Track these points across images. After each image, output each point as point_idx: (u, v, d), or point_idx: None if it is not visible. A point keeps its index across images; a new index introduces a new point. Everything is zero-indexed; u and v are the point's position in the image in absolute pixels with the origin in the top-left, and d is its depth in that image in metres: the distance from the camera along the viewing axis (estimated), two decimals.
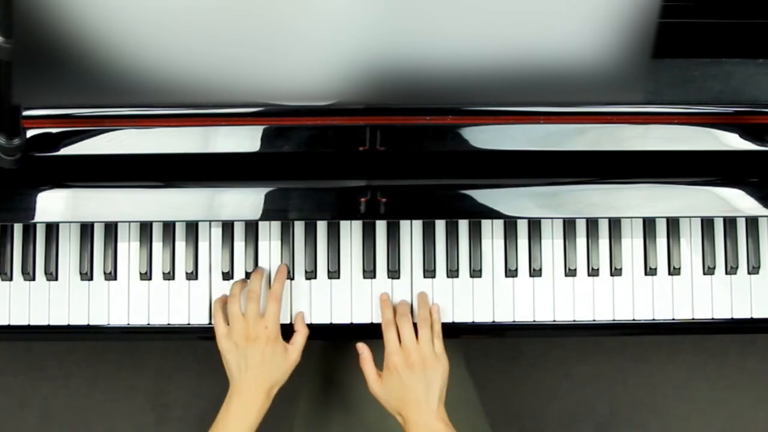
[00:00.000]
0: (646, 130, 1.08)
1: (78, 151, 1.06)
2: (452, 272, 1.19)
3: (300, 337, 1.15)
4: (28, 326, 1.18)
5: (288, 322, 1.18)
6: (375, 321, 1.18)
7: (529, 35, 0.90)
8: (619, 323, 1.20)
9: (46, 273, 1.18)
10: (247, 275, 1.19)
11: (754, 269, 1.20)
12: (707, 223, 1.20)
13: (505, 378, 1.85)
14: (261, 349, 1.11)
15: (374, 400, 1.14)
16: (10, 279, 1.18)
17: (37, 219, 1.09)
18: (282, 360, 1.12)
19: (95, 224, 1.19)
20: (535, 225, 1.19)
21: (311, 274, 1.19)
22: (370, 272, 1.19)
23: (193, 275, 1.18)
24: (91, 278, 1.18)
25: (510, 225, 1.19)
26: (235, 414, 1.09)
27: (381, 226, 1.19)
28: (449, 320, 1.19)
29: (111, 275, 1.18)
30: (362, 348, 1.14)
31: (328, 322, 1.19)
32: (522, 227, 1.20)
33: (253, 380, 1.10)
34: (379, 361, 1.13)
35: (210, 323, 1.18)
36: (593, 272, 1.19)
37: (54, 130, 1.06)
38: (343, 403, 1.24)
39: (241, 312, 1.12)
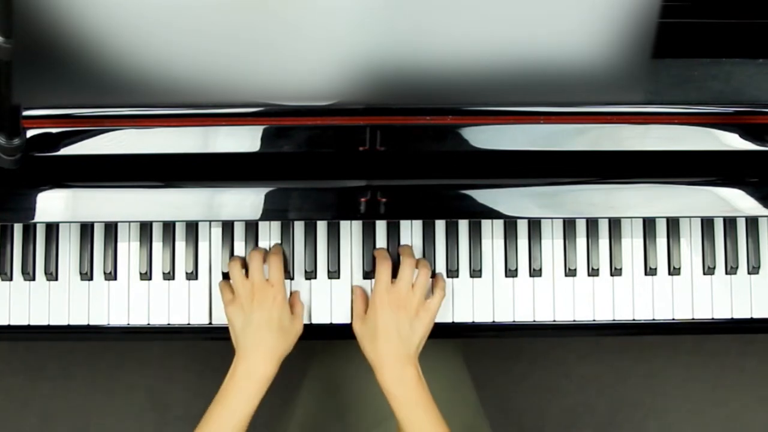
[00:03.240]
0: (646, 130, 1.08)
1: (78, 151, 1.06)
2: (452, 272, 1.19)
3: (299, 307, 1.15)
4: (28, 326, 1.18)
5: None
6: None
7: (529, 35, 0.90)
8: (619, 323, 1.20)
9: (46, 273, 1.18)
10: (248, 275, 1.18)
11: (754, 269, 1.20)
12: (707, 223, 1.20)
13: (505, 378, 1.85)
14: (268, 309, 1.09)
15: (373, 401, 1.14)
16: (10, 279, 1.18)
17: (37, 219, 1.09)
18: (289, 323, 1.11)
19: (95, 224, 1.19)
20: (535, 225, 1.19)
21: (311, 274, 1.19)
22: (370, 272, 1.19)
23: (193, 275, 1.18)
24: (91, 278, 1.19)
25: (510, 225, 1.19)
26: (242, 380, 1.06)
27: (381, 226, 1.19)
28: (449, 320, 1.19)
29: (111, 275, 1.18)
30: (357, 287, 1.14)
31: (328, 322, 1.19)
32: (522, 227, 1.20)
33: (258, 343, 1.08)
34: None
35: (210, 323, 1.18)
36: (593, 272, 1.19)
37: (54, 130, 1.06)
38: (342, 404, 1.24)
39: (243, 275, 1.12)
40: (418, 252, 1.19)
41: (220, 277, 1.19)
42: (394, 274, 1.13)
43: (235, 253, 1.19)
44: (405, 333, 1.08)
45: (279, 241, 1.19)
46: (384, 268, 1.12)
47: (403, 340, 1.08)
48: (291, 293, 1.18)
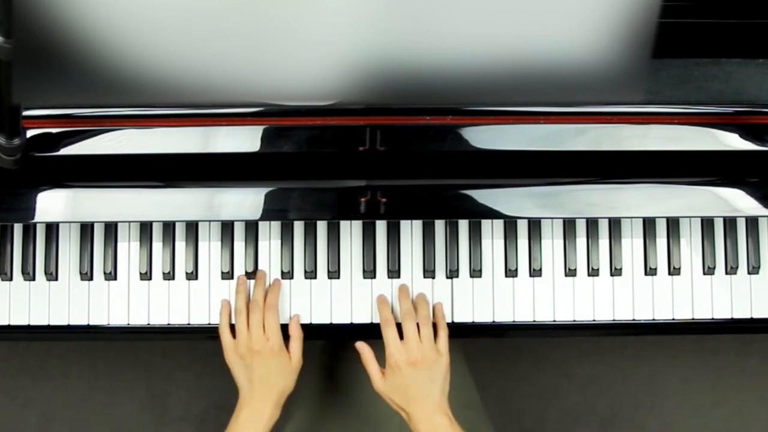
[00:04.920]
0: (646, 130, 1.08)
1: (78, 151, 1.06)
2: (452, 272, 1.19)
3: (296, 343, 1.15)
4: (28, 326, 1.18)
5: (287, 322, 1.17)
6: (375, 321, 1.18)
7: (529, 35, 0.90)
8: (619, 323, 1.20)
9: (46, 273, 1.18)
10: (248, 274, 1.18)
11: (754, 269, 1.20)
12: (707, 223, 1.20)
13: (505, 378, 1.85)
14: (265, 361, 1.11)
15: (373, 401, 1.14)
16: (10, 279, 1.18)
17: (37, 219, 1.09)
18: (287, 369, 1.13)
19: (95, 224, 1.19)
20: (535, 225, 1.19)
21: (311, 274, 1.19)
22: (370, 272, 1.19)
23: (193, 275, 1.18)
24: (91, 278, 1.18)
25: (510, 225, 1.19)
26: (245, 424, 1.10)
27: (381, 226, 1.19)
28: (449, 320, 1.19)
29: (111, 275, 1.18)
30: (362, 347, 1.14)
31: (328, 322, 1.19)
32: (522, 227, 1.20)
33: (261, 391, 1.11)
34: (380, 359, 1.13)
35: (210, 323, 1.18)
36: (593, 272, 1.19)
37: (54, 130, 1.06)
38: (342, 403, 1.24)
39: (246, 325, 1.13)
40: (418, 252, 1.19)
41: (220, 278, 1.19)
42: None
43: (235, 253, 1.19)
44: (427, 385, 1.09)
45: (279, 241, 1.19)
46: (389, 331, 1.12)
47: (428, 392, 1.09)
48: (290, 318, 1.17)
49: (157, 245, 1.19)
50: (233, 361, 1.13)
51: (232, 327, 1.15)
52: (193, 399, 1.83)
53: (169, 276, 1.18)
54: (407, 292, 1.17)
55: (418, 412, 1.09)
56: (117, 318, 1.18)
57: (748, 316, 1.20)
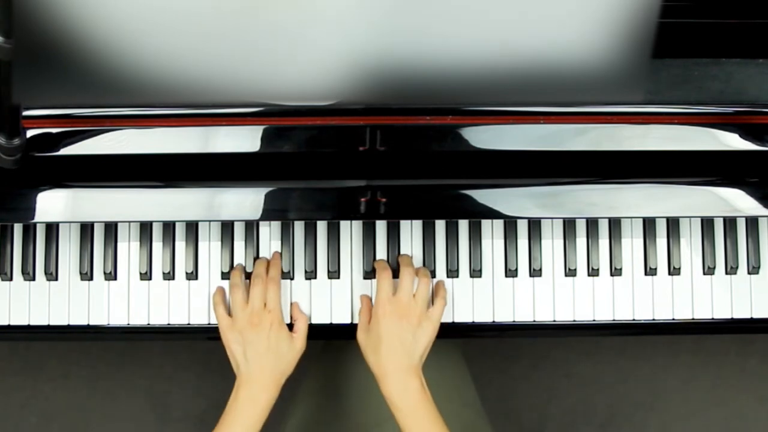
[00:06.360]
0: (646, 130, 1.08)
1: (78, 151, 1.06)
2: (452, 272, 1.19)
3: (301, 323, 1.14)
4: (28, 326, 1.18)
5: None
6: None
7: (529, 35, 0.90)
8: (619, 323, 1.20)
9: (46, 273, 1.18)
10: (248, 276, 1.18)
11: (754, 269, 1.20)
12: (707, 223, 1.20)
13: (505, 378, 1.85)
14: (266, 335, 1.10)
15: (372, 401, 1.14)
16: (10, 279, 1.18)
17: (37, 219, 1.09)
18: (287, 347, 1.11)
19: (95, 224, 1.19)
20: (535, 225, 1.19)
21: (311, 274, 1.19)
22: (370, 272, 1.19)
23: (193, 275, 1.18)
24: (91, 278, 1.18)
25: (510, 225, 1.19)
26: (244, 405, 1.08)
27: (381, 226, 1.19)
28: (449, 320, 1.19)
29: (111, 275, 1.18)
30: (365, 300, 1.15)
31: (328, 322, 1.19)
32: (522, 227, 1.20)
33: (260, 369, 1.09)
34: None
35: (210, 323, 1.18)
36: (593, 272, 1.19)
37: (54, 130, 1.06)
38: (342, 404, 1.24)
39: (244, 300, 1.12)
40: (418, 252, 1.19)
41: (220, 278, 1.19)
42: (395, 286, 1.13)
43: (235, 253, 1.19)
44: (408, 343, 1.08)
45: (279, 242, 1.19)
46: (384, 279, 1.12)
47: (407, 350, 1.08)
48: (291, 305, 1.17)
49: (157, 245, 1.19)
50: (231, 339, 1.10)
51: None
52: (193, 399, 1.83)
53: (169, 276, 1.19)
54: (409, 257, 1.17)
55: (391, 367, 1.07)
56: (117, 318, 1.18)
57: (748, 316, 1.20)
